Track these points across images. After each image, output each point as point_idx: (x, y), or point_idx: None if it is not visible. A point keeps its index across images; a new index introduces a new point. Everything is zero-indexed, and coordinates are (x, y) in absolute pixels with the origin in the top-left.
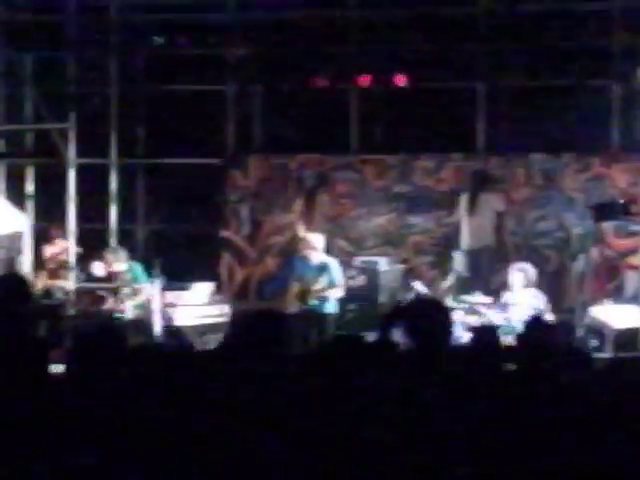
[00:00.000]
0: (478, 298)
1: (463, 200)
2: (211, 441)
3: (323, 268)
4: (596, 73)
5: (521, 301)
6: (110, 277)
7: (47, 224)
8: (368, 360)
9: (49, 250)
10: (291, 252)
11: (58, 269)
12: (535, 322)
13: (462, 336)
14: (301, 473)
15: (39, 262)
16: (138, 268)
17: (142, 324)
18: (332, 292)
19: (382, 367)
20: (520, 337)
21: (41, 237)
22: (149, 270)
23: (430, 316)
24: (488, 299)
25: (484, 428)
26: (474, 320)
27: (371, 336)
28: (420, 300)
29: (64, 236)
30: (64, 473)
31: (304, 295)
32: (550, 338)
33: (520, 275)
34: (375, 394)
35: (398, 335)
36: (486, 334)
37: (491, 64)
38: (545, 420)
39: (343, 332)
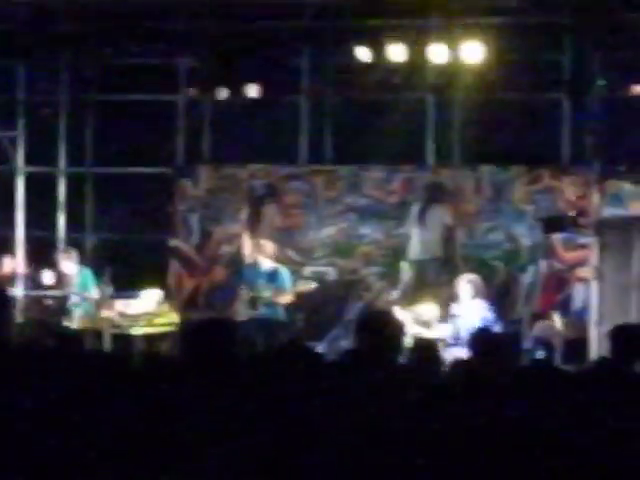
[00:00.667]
0: (426, 309)
1: (413, 211)
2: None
3: (273, 274)
4: (545, 86)
5: (469, 313)
6: (59, 285)
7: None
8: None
9: (6, 264)
10: (240, 261)
11: (8, 278)
12: (482, 333)
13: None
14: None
15: None
16: (88, 273)
17: (91, 332)
18: (282, 298)
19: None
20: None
21: None
22: (98, 278)
23: (381, 327)
24: (435, 310)
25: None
26: (422, 331)
27: (319, 347)
28: (371, 312)
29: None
30: None
31: (254, 302)
32: (497, 349)
33: (468, 286)
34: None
35: (345, 345)
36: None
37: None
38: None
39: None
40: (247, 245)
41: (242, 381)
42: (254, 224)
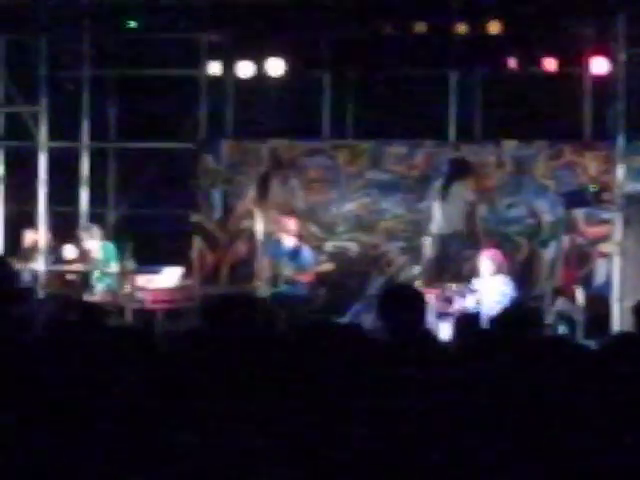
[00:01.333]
0: (448, 284)
1: (435, 186)
2: (189, 427)
3: (295, 252)
4: (568, 60)
5: (490, 288)
6: (81, 259)
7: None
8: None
9: (29, 237)
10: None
11: (30, 252)
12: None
13: (433, 322)
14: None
15: (11, 246)
16: (110, 248)
17: (113, 306)
18: (303, 276)
19: (356, 354)
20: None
21: (12, 221)
22: (120, 253)
23: (404, 302)
24: (459, 285)
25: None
26: (445, 306)
27: (341, 321)
28: (393, 286)
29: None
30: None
31: (275, 279)
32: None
33: (489, 262)
34: (350, 382)
35: (369, 320)
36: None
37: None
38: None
39: (313, 316)
40: (258, 221)
41: (265, 358)
42: (261, 199)
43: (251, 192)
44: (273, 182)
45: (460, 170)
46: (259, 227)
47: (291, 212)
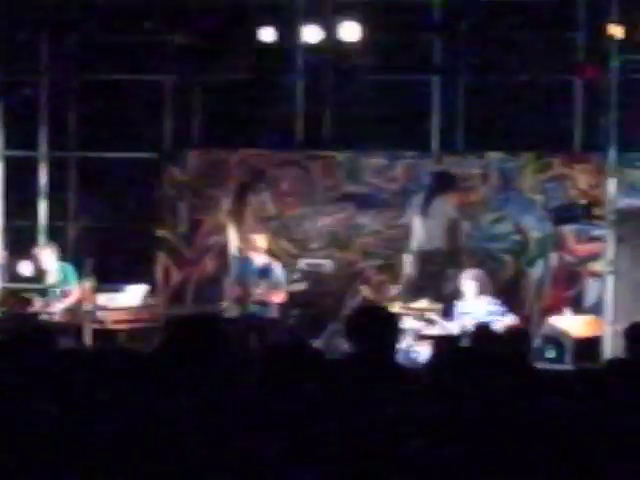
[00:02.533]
0: (428, 304)
1: (416, 201)
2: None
3: (265, 271)
4: (557, 68)
5: (474, 310)
6: (38, 277)
7: None
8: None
9: None
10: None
11: None
12: (482, 331)
13: (412, 344)
14: None
15: None
16: (69, 269)
17: (72, 327)
18: (274, 296)
19: (325, 378)
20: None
21: None
22: (80, 270)
23: (376, 324)
24: (437, 306)
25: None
26: (425, 328)
27: (315, 343)
28: (365, 307)
29: None
30: None
31: (244, 299)
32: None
33: (472, 284)
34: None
35: (344, 343)
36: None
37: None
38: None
39: (284, 339)
40: (232, 236)
41: (230, 382)
42: (238, 214)
43: (225, 205)
44: (249, 195)
45: (443, 184)
46: (233, 243)
47: (261, 227)
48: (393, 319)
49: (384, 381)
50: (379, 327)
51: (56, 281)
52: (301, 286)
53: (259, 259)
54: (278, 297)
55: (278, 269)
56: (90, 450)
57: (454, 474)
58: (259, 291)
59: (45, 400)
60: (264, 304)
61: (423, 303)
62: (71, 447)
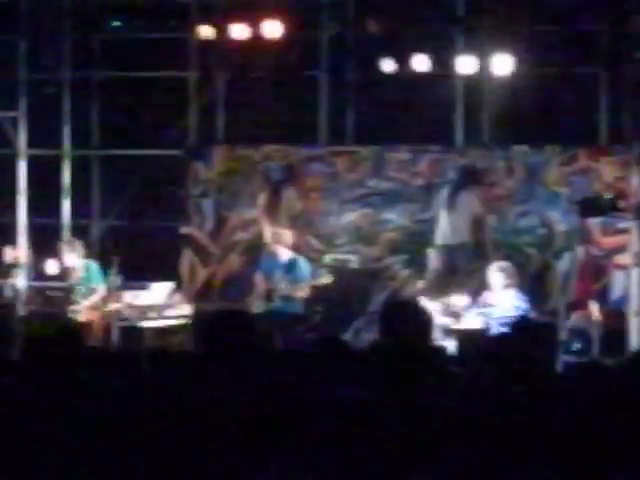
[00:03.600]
0: (455, 299)
1: (442, 195)
2: (175, 446)
3: (291, 266)
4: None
5: (501, 302)
6: (64, 275)
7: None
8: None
9: (9, 252)
10: (257, 250)
11: (10, 267)
12: (522, 323)
13: (438, 338)
14: None
15: None
16: (94, 267)
17: (98, 325)
18: (299, 291)
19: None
20: (506, 339)
21: None
22: (105, 268)
23: (408, 319)
24: (465, 299)
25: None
26: (451, 322)
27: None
28: (397, 302)
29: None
30: None
31: (270, 294)
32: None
33: (500, 275)
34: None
35: (370, 338)
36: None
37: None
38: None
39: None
40: (267, 232)
41: (261, 378)
42: (272, 210)
43: (260, 201)
44: (288, 191)
45: (469, 178)
46: (267, 239)
47: (287, 222)
48: (426, 313)
49: (418, 374)
50: (412, 321)
51: (80, 279)
52: (327, 279)
53: (285, 254)
54: (303, 292)
55: (303, 264)
56: (125, 447)
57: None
58: (284, 286)
59: (76, 399)
60: (289, 299)
61: (450, 297)
62: (106, 444)
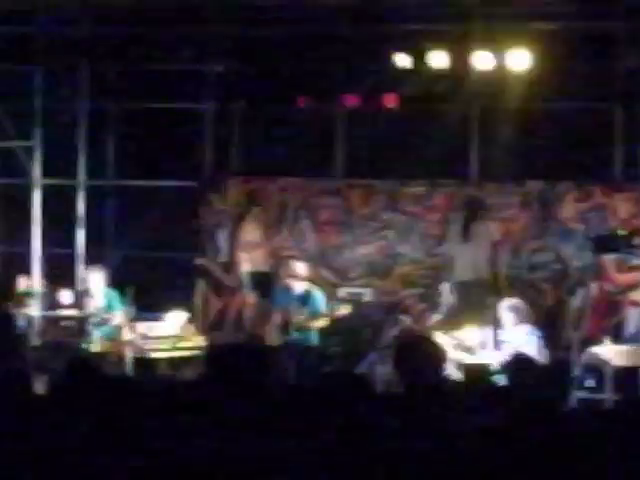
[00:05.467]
0: (468, 334)
1: (455, 229)
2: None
3: (306, 297)
4: (596, 96)
5: (514, 339)
6: (78, 305)
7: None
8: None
9: (23, 281)
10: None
11: (24, 298)
12: (518, 363)
13: (452, 374)
14: None
15: (5, 290)
16: (114, 295)
17: (113, 356)
18: (315, 323)
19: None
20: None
21: (5, 262)
22: (123, 299)
23: (421, 354)
24: (479, 334)
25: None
26: (465, 358)
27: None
28: (411, 336)
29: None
30: None
31: (286, 326)
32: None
33: (511, 314)
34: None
35: (384, 371)
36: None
37: None
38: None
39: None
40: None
41: (275, 412)
42: (285, 242)
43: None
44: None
45: (476, 211)
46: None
47: (301, 255)
48: (439, 349)
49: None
50: (426, 357)
51: (100, 307)
52: (345, 310)
53: (299, 286)
54: (320, 323)
55: (318, 296)
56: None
57: None
58: (300, 318)
59: (93, 428)
60: (305, 331)
61: (463, 332)
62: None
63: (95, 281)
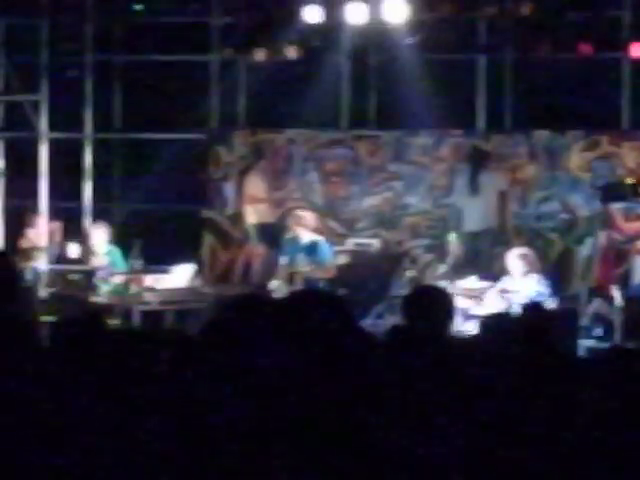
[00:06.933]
0: (475, 283)
1: (462, 180)
2: (188, 432)
3: (312, 248)
4: (605, 45)
5: (523, 288)
6: (85, 258)
7: (24, 209)
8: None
9: (31, 234)
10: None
11: (32, 250)
12: (534, 309)
13: (460, 323)
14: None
15: (12, 243)
16: (117, 252)
17: (119, 308)
18: (321, 273)
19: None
20: (517, 323)
21: (12, 216)
22: (127, 252)
23: (430, 304)
24: (486, 284)
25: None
26: (472, 306)
27: (363, 323)
28: (420, 286)
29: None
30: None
31: (292, 277)
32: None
33: (520, 262)
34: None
35: (392, 322)
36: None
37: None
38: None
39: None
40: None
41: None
42: (293, 193)
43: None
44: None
45: (480, 160)
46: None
47: (309, 206)
48: (448, 298)
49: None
50: (436, 307)
51: (104, 264)
52: (347, 259)
53: (306, 236)
54: (326, 273)
55: (325, 246)
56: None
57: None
58: (307, 269)
59: (95, 382)
60: (312, 281)
61: (471, 282)
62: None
63: (98, 238)
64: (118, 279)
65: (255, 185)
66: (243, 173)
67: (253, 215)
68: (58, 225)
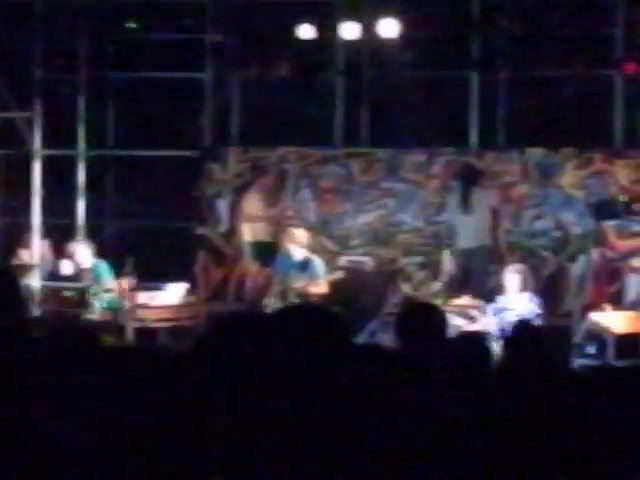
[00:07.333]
0: (468, 301)
1: (455, 197)
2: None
3: (305, 264)
4: (598, 62)
5: (516, 305)
6: (78, 276)
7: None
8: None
9: (23, 252)
10: (272, 250)
11: (25, 267)
12: (523, 327)
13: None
14: None
15: (5, 261)
16: (103, 266)
17: (112, 325)
18: (314, 289)
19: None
20: (507, 342)
21: (5, 233)
22: (119, 269)
23: (423, 321)
24: (478, 302)
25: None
26: (465, 324)
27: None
28: (413, 304)
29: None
30: None
31: (285, 294)
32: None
33: (516, 278)
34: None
35: (385, 340)
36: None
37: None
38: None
39: None
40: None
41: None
42: (286, 210)
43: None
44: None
45: (473, 177)
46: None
47: (302, 224)
48: (441, 315)
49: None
50: (429, 325)
51: (90, 278)
52: (340, 275)
53: (299, 253)
54: (318, 289)
55: (317, 262)
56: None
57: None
58: (299, 285)
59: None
60: (304, 297)
61: (464, 300)
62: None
63: (81, 255)
64: (110, 294)
65: (252, 203)
66: (239, 191)
67: (249, 233)
68: (47, 243)
